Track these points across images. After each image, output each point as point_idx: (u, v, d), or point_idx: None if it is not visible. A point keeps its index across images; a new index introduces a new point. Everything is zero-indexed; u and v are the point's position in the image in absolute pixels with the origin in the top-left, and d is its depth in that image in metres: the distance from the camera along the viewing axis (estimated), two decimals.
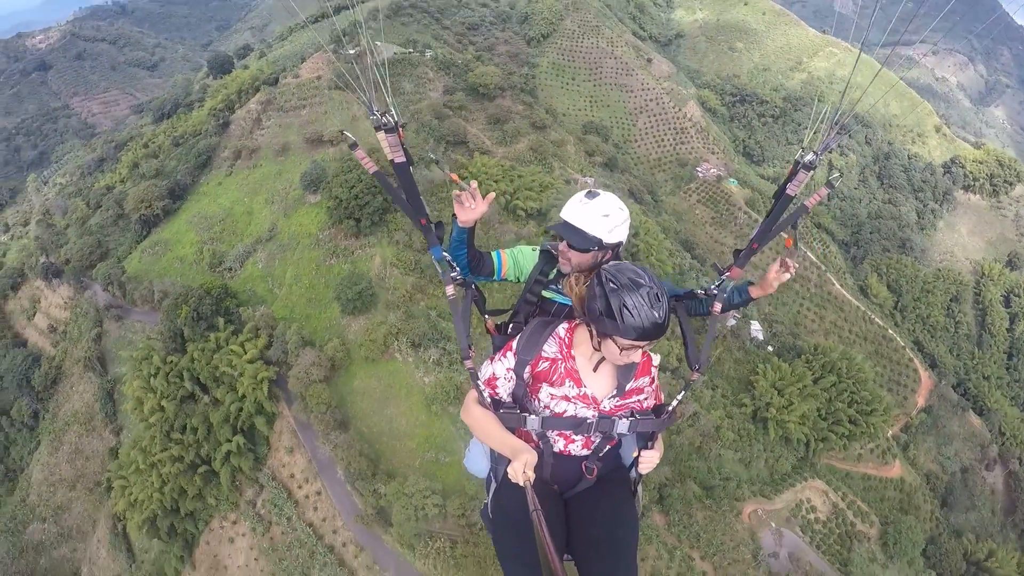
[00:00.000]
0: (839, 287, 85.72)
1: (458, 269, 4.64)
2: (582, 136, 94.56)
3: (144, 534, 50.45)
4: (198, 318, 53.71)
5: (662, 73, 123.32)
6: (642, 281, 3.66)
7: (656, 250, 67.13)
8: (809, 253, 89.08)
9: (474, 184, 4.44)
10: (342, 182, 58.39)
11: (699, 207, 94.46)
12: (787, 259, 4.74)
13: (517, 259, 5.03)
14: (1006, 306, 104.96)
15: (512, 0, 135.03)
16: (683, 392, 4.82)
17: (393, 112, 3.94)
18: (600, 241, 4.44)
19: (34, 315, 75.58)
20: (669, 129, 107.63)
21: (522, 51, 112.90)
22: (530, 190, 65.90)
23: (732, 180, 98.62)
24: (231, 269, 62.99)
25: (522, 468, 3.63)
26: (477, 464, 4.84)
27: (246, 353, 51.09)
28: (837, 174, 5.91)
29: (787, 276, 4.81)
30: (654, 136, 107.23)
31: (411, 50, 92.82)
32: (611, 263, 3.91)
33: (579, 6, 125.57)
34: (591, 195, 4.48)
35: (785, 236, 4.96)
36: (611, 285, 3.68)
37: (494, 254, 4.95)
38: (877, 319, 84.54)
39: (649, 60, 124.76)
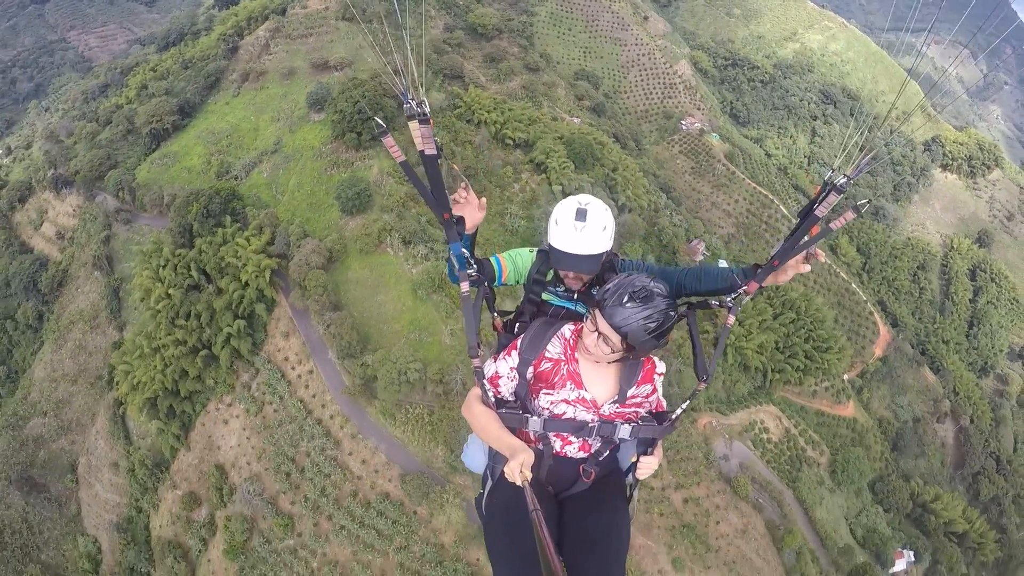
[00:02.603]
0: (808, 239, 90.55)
1: (474, 266, 4.68)
2: (573, 82, 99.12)
3: (144, 415, 54.24)
4: (207, 215, 58.00)
5: (657, 31, 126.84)
6: (650, 291, 3.80)
7: (632, 185, 71.98)
8: (782, 207, 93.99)
9: (465, 183, 4.56)
10: (347, 98, 62.98)
11: (680, 157, 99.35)
12: (812, 250, 4.42)
13: (516, 263, 5.04)
14: (972, 279, 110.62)
15: None
16: (687, 402, 4.80)
17: (426, 103, 3.88)
18: (604, 253, 4.51)
19: (41, 225, 78.65)
20: (658, 84, 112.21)
21: None
22: (519, 122, 70.45)
23: (714, 135, 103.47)
24: (237, 177, 67.11)
25: (519, 467, 3.71)
26: (475, 459, 4.91)
27: (250, 245, 55.48)
28: (865, 201, 5.48)
29: (806, 268, 4.49)
30: (643, 89, 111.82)
31: None
32: (639, 279, 3.92)
33: None
34: (581, 216, 4.40)
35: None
36: (622, 280, 3.90)
37: (493, 259, 4.95)
38: (842, 274, 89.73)
39: (646, 17, 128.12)
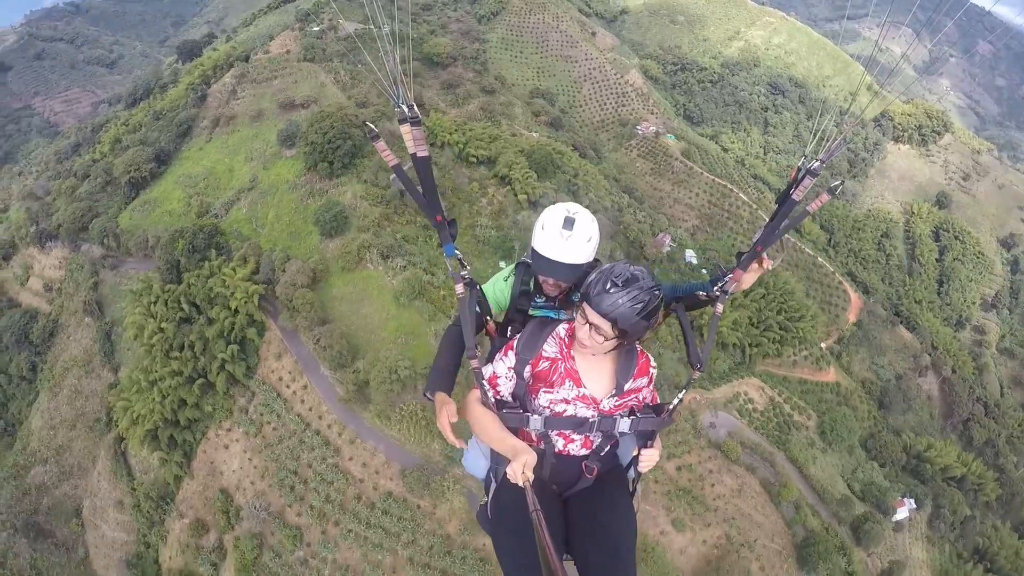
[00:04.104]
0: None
1: (467, 268, 4.74)
2: (529, 100, 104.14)
3: (146, 448, 55.42)
4: (193, 250, 60.86)
5: (606, 45, 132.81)
6: (633, 275, 3.90)
7: (595, 188, 76.08)
8: (742, 195, 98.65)
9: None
10: (316, 129, 66.63)
11: (639, 160, 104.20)
12: (765, 256, 4.78)
13: (496, 298, 5.10)
14: (936, 240, 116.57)
15: None
16: (684, 391, 4.91)
17: (415, 107, 3.90)
18: (586, 264, 4.58)
19: (27, 280, 79.92)
20: (611, 94, 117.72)
21: (473, 28, 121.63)
22: (481, 140, 74.24)
23: (670, 135, 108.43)
24: (217, 216, 69.72)
25: (521, 468, 3.75)
26: (476, 464, 4.88)
27: (237, 274, 58.12)
28: (838, 182, 5.99)
29: (769, 264, 4.85)
30: (597, 101, 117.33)
31: (370, 25, 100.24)
32: (626, 264, 4.01)
33: None
34: (568, 224, 4.43)
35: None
36: (607, 269, 4.00)
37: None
38: (808, 249, 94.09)
39: (593, 33, 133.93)
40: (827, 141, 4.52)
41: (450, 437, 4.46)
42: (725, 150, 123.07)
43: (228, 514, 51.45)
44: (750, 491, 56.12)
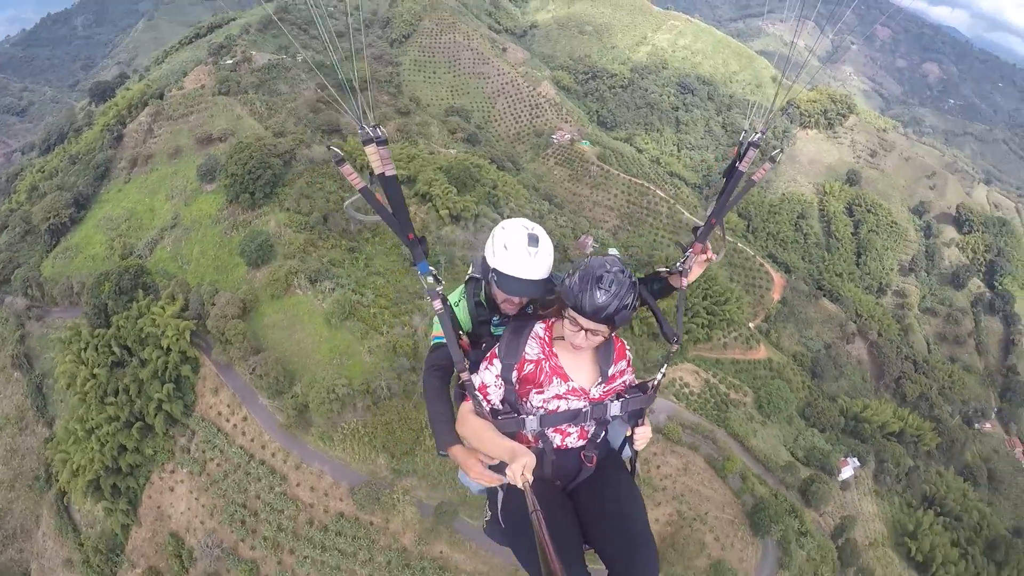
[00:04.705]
0: (689, 216, 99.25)
1: (442, 284, 4.66)
2: (444, 119, 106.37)
3: (89, 499, 54.62)
4: (120, 292, 59.98)
5: (517, 60, 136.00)
6: (607, 269, 3.96)
7: (514, 196, 78.27)
8: (659, 191, 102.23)
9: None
10: (236, 161, 67.04)
11: (557, 168, 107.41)
12: (710, 248, 5.05)
13: (461, 319, 5.09)
14: (850, 215, 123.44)
15: (374, 7, 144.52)
16: (665, 366, 5.03)
17: (380, 127, 3.98)
18: (552, 275, 4.66)
19: None
20: (525, 107, 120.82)
21: (386, 52, 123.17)
22: (399, 160, 75.48)
23: (584, 141, 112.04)
24: (141, 256, 69.28)
25: (520, 470, 3.75)
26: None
27: (166, 312, 57.80)
28: (778, 150, 6.57)
29: (715, 257, 5.11)
30: (512, 114, 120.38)
31: (284, 55, 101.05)
32: (592, 260, 4.09)
33: (436, 6, 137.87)
34: (533, 241, 4.52)
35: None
36: (582, 272, 4.02)
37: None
38: (728, 237, 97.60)
39: (504, 49, 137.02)
40: (765, 114, 5.08)
41: (494, 478, 4.32)
42: (640, 151, 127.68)
43: (181, 557, 51.08)
44: (695, 468, 57.94)
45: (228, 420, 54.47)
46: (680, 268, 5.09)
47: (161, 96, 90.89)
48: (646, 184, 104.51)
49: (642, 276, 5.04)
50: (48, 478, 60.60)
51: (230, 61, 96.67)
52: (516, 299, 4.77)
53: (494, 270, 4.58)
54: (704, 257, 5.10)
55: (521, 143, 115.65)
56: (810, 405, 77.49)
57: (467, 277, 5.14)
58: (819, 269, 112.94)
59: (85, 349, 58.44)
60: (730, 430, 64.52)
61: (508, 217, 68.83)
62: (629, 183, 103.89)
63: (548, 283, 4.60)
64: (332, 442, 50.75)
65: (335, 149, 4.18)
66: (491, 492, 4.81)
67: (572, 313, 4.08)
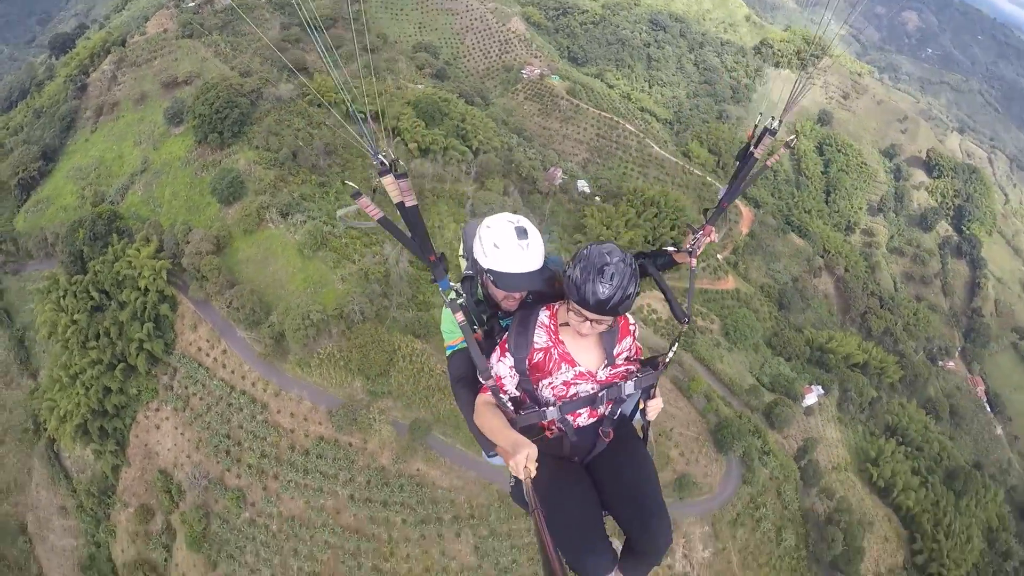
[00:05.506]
0: (658, 150, 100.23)
1: (462, 297, 4.76)
2: (412, 55, 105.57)
3: (78, 443, 55.81)
4: (95, 238, 60.49)
5: None
6: (607, 261, 3.93)
7: (483, 130, 78.60)
8: (628, 126, 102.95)
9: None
10: (203, 102, 67.30)
11: (527, 103, 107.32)
12: (713, 229, 5.17)
13: (452, 330, 5.09)
14: (820, 155, 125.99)
15: None
16: (675, 344, 5.11)
17: (398, 160, 3.94)
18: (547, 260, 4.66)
19: None
20: (495, 42, 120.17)
21: None
22: (368, 96, 75.48)
23: (554, 76, 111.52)
24: (113, 202, 69.47)
25: (524, 462, 3.75)
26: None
27: (141, 254, 58.54)
28: (793, 136, 6.24)
29: (716, 237, 5.18)
30: (481, 50, 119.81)
31: None
32: (591, 249, 4.05)
33: None
34: (522, 234, 4.48)
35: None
36: (583, 264, 3.97)
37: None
38: (696, 171, 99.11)
39: None
40: (781, 103, 4.89)
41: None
42: (611, 87, 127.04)
43: (171, 493, 52.21)
44: (661, 386, 58.60)
45: (208, 355, 55.56)
46: (690, 249, 5.27)
47: (123, 43, 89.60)
48: (616, 118, 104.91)
49: (647, 252, 5.28)
50: (36, 429, 60.84)
51: (192, 4, 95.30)
52: (517, 294, 4.78)
53: (489, 270, 4.54)
54: (709, 238, 5.31)
55: (490, 79, 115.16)
56: (776, 335, 79.77)
57: (462, 277, 5.09)
58: (788, 205, 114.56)
59: (64, 296, 59.01)
60: (696, 354, 66.56)
61: (476, 148, 69.00)
62: (599, 117, 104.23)
63: (545, 270, 4.60)
64: (309, 368, 52.10)
65: (350, 184, 4.43)
66: None
67: (576, 307, 4.10)
